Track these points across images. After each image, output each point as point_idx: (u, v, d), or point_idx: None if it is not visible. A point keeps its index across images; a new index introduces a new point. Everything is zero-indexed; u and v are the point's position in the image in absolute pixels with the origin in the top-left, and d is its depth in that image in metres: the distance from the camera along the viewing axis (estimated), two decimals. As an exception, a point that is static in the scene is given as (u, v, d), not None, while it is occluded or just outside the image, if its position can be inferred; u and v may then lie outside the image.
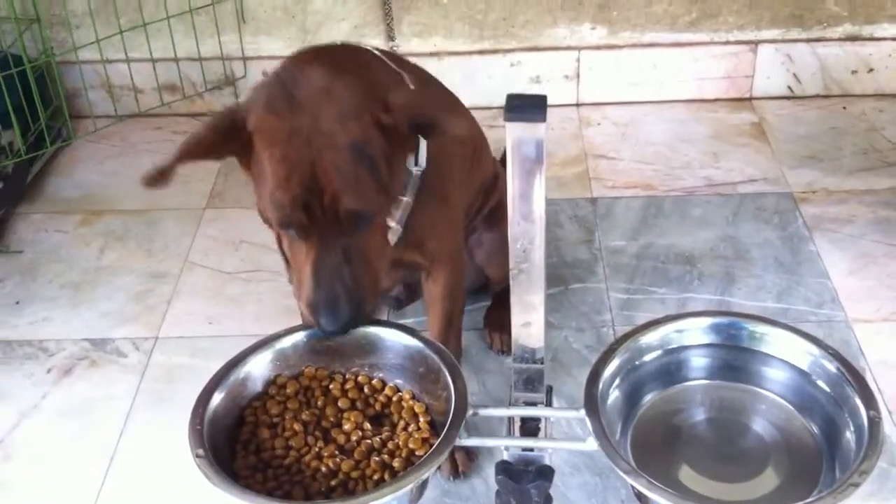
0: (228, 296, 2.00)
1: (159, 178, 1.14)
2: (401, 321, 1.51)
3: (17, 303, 2.00)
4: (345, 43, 1.35)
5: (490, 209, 1.69)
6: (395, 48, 2.46)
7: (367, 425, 1.13)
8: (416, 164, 1.30)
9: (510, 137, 0.96)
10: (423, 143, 1.29)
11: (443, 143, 1.38)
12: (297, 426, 1.12)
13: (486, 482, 1.57)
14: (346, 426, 1.12)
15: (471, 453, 1.61)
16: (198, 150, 1.14)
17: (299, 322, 1.29)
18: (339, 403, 1.15)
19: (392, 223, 1.30)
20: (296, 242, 1.15)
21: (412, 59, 1.45)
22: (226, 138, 1.14)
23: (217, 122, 1.15)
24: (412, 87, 1.29)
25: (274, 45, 2.52)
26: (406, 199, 1.30)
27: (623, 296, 1.94)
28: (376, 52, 1.33)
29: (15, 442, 1.69)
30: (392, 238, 1.29)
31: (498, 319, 1.80)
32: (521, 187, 1.00)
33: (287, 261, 1.25)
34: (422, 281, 1.51)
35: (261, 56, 2.54)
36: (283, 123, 1.11)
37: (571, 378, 1.74)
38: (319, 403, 1.15)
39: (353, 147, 1.11)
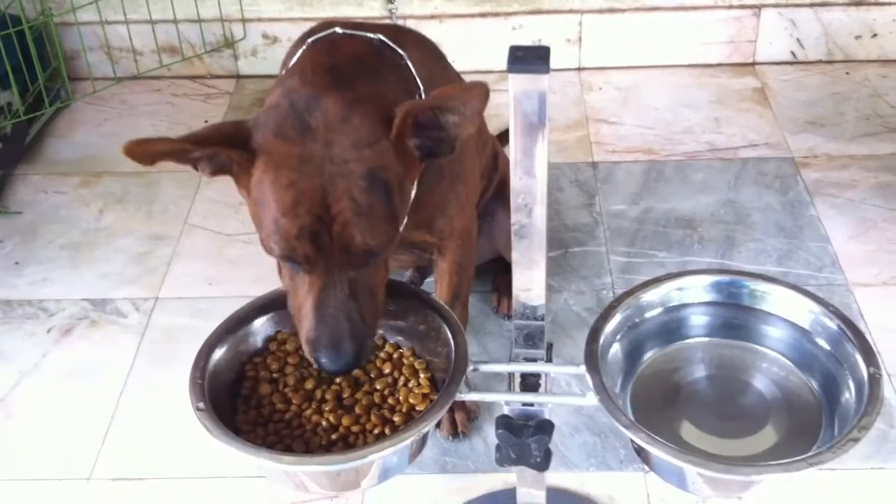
0: (228, 257, 2.00)
1: (141, 149, 1.04)
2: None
3: (17, 263, 2.00)
4: (347, 33, 1.24)
5: (496, 189, 1.68)
6: (393, 11, 2.44)
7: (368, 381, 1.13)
8: None
9: (513, 90, 0.95)
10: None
11: None
12: (296, 381, 1.11)
13: (485, 441, 1.58)
14: (346, 382, 1.12)
15: (471, 413, 1.61)
16: (194, 138, 1.04)
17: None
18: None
19: None
20: (296, 274, 1.07)
21: (412, 23, 1.42)
22: (227, 142, 1.05)
23: (221, 125, 1.08)
24: (418, 81, 1.23)
25: (274, 7, 2.50)
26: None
27: (623, 259, 1.94)
28: (379, 38, 1.24)
29: (15, 401, 1.70)
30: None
31: (507, 284, 1.78)
32: (524, 142, 0.99)
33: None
34: (433, 258, 1.49)
35: (261, 18, 2.52)
36: (293, 149, 1.04)
37: (571, 340, 1.74)
38: (319, 360, 1.15)
39: (370, 175, 1.03)
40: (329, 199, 1.02)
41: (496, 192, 1.68)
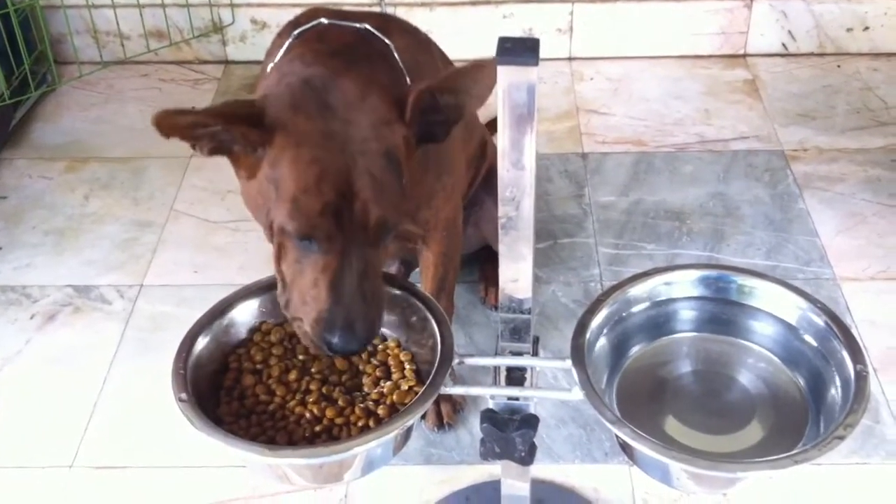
0: (214, 245, 1.98)
1: (169, 120, 1.01)
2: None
3: (1, 248, 1.98)
4: (333, 23, 1.23)
5: (485, 177, 1.67)
6: (385, -1, 2.43)
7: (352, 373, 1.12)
8: None
9: (502, 82, 0.94)
10: None
11: None
12: (280, 373, 1.11)
13: (470, 433, 1.57)
14: (331, 373, 1.11)
15: (456, 405, 1.61)
16: (216, 112, 1.02)
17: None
18: (324, 351, 1.14)
19: None
20: (306, 255, 1.05)
21: (402, 11, 1.41)
22: (245, 119, 1.03)
23: (234, 102, 1.07)
24: (404, 69, 1.22)
25: (263, -8, 2.49)
26: None
27: (612, 251, 1.93)
28: (365, 28, 1.23)
29: (-2, 387, 1.69)
30: None
31: (494, 274, 1.77)
32: (512, 134, 0.98)
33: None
34: (418, 248, 1.49)
35: (249, 3, 2.50)
36: (315, 125, 1.04)
37: (558, 331, 1.74)
38: (304, 350, 1.14)
39: (387, 154, 1.05)
40: (352, 177, 1.03)
41: (484, 181, 1.67)
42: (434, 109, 1.08)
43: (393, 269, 1.79)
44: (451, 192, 1.42)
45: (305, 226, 1.03)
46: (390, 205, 1.06)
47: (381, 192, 1.04)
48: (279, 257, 1.09)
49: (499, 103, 0.96)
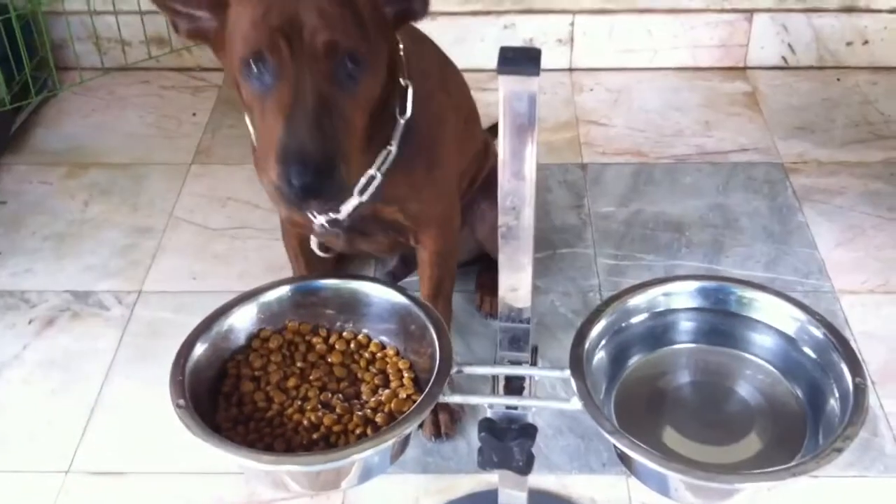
0: (213, 252, 1.98)
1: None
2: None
3: (0, 253, 1.98)
4: None
5: (484, 181, 1.67)
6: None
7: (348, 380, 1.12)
8: (402, 112, 1.28)
9: (503, 91, 0.94)
10: (409, 91, 1.28)
11: (436, 97, 1.37)
12: (278, 380, 1.10)
13: (468, 443, 1.57)
14: (329, 381, 1.11)
15: (455, 415, 1.60)
16: None
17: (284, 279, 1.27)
18: (323, 358, 1.14)
19: (372, 170, 1.28)
20: (266, 96, 1.10)
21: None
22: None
23: None
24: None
25: (265, 1, 2.49)
26: (390, 148, 1.28)
27: (611, 261, 1.94)
28: None
29: (-5, 392, 1.68)
30: (370, 188, 1.28)
31: (490, 282, 1.79)
32: (513, 144, 0.98)
33: (254, 147, 1.22)
34: (414, 247, 1.50)
35: (251, 11, 2.50)
36: None
37: (557, 341, 1.74)
38: (302, 358, 1.14)
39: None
40: (300, 9, 1.08)
41: (483, 183, 1.68)
42: None
43: (389, 267, 1.79)
44: (442, 187, 1.43)
45: (255, 45, 1.09)
46: (341, 29, 1.09)
47: (330, 18, 1.09)
48: (250, 110, 1.16)
49: (500, 113, 0.96)
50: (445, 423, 1.59)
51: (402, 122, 1.28)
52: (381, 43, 1.18)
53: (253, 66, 1.10)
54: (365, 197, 1.30)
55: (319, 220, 1.35)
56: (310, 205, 1.20)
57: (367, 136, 1.19)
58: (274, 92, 1.09)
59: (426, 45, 1.44)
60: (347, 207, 1.31)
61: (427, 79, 1.35)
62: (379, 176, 1.29)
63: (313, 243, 1.51)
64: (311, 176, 1.06)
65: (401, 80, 1.28)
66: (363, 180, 1.29)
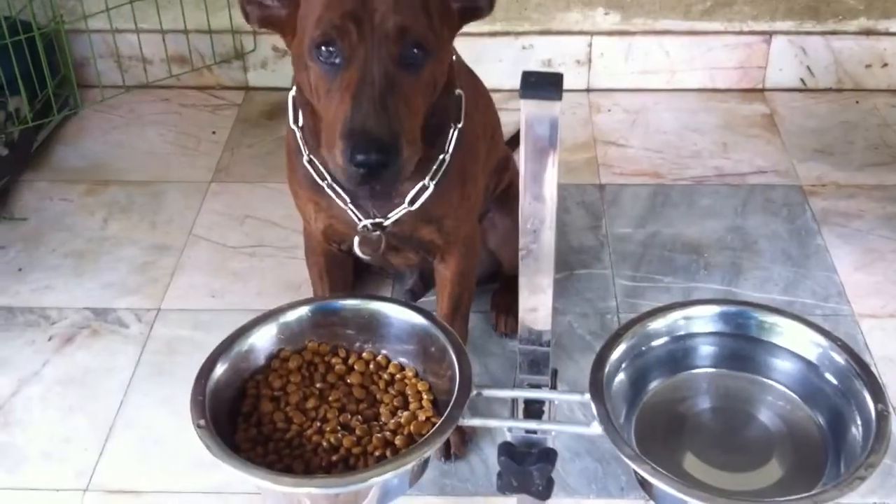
0: (232, 270, 1.99)
1: None
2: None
3: (20, 270, 1.99)
4: None
5: (502, 190, 1.68)
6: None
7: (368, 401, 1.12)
8: (457, 121, 1.30)
9: (524, 115, 0.95)
10: (463, 100, 1.31)
11: (471, 125, 1.37)
12: (298, 400, 1.11)
13: (485, 463, 1.57)
14: (348, 402, 1.11)
15: (465, 436, 1.60)
16: None
17: (300, 298, 1.27)
18: (342, 379, 1.14)
19: (425, 180, 1.29)
20: (334, 78, 1.13)
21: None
22: None
23: None
24: None
25: (285, 20, 2.50)
26: (444, 157, 1.31)
27: (628, 283, 1.93)
28: None
29: (14, 409, 1.69)
30: (421, 199, 1.30)
31: (505, 302, 1.79)
32: (534, 167, 0.98)
33: (300, 141, 1.28)
34: (434, 264, 1.50)
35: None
36: None
37: (574, 363, 1.73)
38: (322, 378, 1.14)
39: None
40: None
41: (503, 193, 1.68)
42: None
43: (408, 284, 1.79)
44: (472, 205, 1.43)
45: (328, 28, 1.11)
46: (410, 15, 1.12)
47: (400, 4, 1.12)
48: (317, 92, 1.17)
49: (521, 137, 0.97)
50: (456, 444, 1.58)
51: (456, 130, 1.30)
52: (445, 36, 1.20)
53: (324, 49, 1.14)
54: (416, 206, 1.31)
55: (365, 221, 1.34)
56: (371, 183, 1.20)
57: (424, 132, 1.21)
58: (343, 73, 1.13)
59: (459, 60, 1.44)
60: (395, 214, 1.32)
61: (465, 92, 1.35)
62: (431, 186, 1.30)
63: (356, 245, 1.47)
64: (375, 152, 1.10)
65: (456, 89, 1.30)
66: (414, 190, 1.30)
